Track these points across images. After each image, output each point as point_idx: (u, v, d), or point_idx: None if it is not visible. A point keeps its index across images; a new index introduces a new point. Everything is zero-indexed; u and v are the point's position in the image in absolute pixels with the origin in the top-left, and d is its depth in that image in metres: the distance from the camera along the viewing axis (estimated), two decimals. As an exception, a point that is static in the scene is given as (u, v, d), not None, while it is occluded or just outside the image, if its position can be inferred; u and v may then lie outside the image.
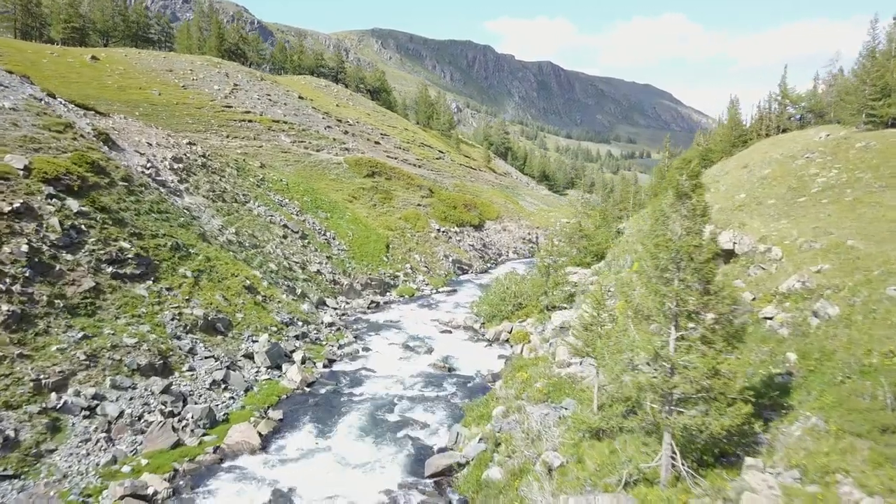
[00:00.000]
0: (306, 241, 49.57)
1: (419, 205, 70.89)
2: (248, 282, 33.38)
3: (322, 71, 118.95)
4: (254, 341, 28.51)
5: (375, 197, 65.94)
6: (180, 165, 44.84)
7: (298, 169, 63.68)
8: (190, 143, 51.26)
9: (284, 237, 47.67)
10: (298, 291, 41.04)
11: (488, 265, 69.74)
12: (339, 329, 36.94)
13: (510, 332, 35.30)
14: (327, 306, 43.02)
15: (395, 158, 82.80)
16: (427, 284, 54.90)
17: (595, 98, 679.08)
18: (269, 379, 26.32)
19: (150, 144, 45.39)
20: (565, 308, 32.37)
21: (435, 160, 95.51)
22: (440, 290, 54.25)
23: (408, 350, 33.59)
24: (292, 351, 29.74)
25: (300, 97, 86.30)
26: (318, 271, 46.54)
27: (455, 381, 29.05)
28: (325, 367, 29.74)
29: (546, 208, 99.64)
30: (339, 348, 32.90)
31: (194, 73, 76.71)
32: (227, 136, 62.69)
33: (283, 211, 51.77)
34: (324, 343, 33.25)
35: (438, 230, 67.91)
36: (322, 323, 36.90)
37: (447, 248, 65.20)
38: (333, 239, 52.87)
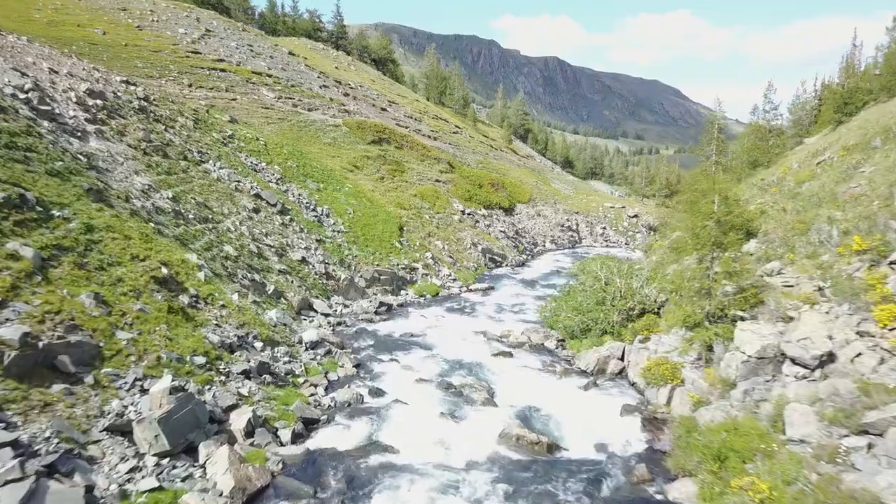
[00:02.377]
0: (288, 217, 34.84)
1: (438, 180, 56.11)
2: (165, 271, 18.58)
3: (320, 35, 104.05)
4: (142, 391, 13.69)
5: (383, 168, 51.16)
6: (98, 103, 30.07)
7: (283, 129, 48.93)
8: (126, 82, 36.51)
9: (255, 211, 32.94)
10: (269, 289, 26.38)
11: (524, 256, 55.02)
12: (329, 352, 22.20)
13: (628, 361, 20.52)
14: (315, 312, 28.33)
15: (406, 128, 67.99)
16: (454, 280, 40.14)
17: (602, 94, 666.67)
18: (157, 489, 11.54)
19: (56, 72, 30.72)
20: (750, 319, 17.28)
21: (452, 134, 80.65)
22: (472, 287, 39.55)
23: (450, 394, 18.82)
24: (230, 407, 14.92)
25: (291, 53, 71.42)
26: (304, 260, 31.84)
27: (569, 480, 14.11)
28: (294, 440, 14.93)
29: (581, 192, 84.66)
30: (325, 392, 18.18)
31: (156, 14, 61.83)
32: (190, 86, 47.92)
33: (256, 177, 37.04)
34: (300, 382, 18.53)
35: (463, 212, 53.14)
36: (301, 343, 22.19)
37: (474, 235, 50.45)
38: (327, 216, 38.11)
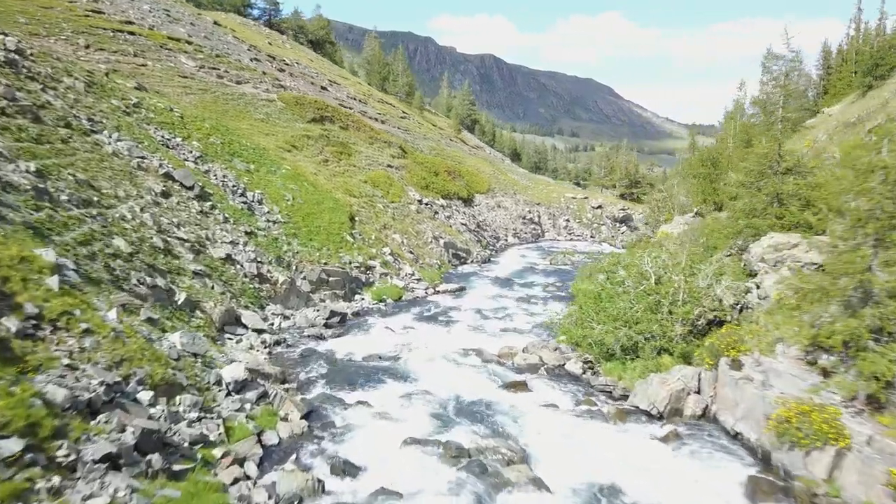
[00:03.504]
0: (209, 204, 27.05)
1: (390, 166, 48.95)
2: (-18, 278, 10.91)
3: (250, 13, 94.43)
4: None
5: (327, 150, 43.58)
6: (-65, 42, 21.60)
7: (205, 100, 40.67)
8: (-8, 29, 27.87)
9: (165, 195, 25.04)
10: (179, 298, 18.84)
11: (488, 252, 48.63)
12: (264, 395, 14.87)
13: (712, 395, 13.98)
14: (244, 328, 20.90)
15: (351, 109, 60.33)
16: (418, 280, 33.26)
17: (537, 92, 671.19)
18: None
19: None
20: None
21: (400, 119, 73.47)
22: (440, 288, 32.83)
23: (466, 467, 11.81)
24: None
25: (216, 23, 62.44)
26: (230, 258, 24.24)
27: None
28: None
29: (539, 183, 79.05)
30: (258, 474, 11.04)
31: (49, -33, 51.95)
32: (88, 47, 38.96)
33: (168, 154, 28.97)
34: (216, 458, 11.25)
35: (420, 201, 46.21)
36: (220, 384, 14.76)
37: (435, 228, 43.67)
38: (259, 203, 30.41)
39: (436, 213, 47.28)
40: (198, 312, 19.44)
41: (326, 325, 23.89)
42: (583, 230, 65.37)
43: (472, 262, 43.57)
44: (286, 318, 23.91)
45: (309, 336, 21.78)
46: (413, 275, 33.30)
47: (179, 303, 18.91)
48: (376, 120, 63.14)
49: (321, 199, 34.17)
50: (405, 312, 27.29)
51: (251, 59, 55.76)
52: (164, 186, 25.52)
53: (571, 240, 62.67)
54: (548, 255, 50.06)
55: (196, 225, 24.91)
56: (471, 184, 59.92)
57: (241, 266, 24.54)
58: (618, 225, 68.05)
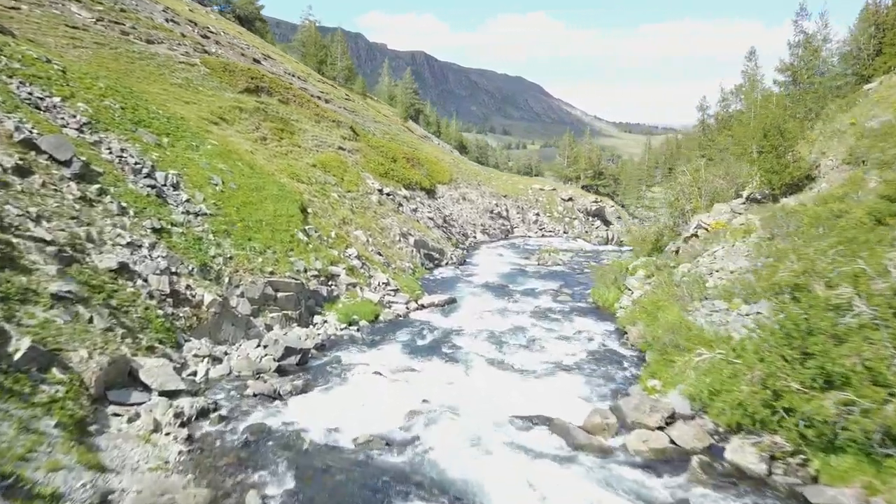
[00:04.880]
0: (95, 187, 18.04)
1: (342, 148, 40.47)
2: None
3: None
4: None
5: (265, 126, 34.72)
6: None
7: (101, 56, 31.07)
8: None
9: (19, 172, 16.02)
10: (17, 350, 10.20)
11: (461, 251, 41.03)
12: None
13: None
14: (144, 389, 12.36)
15: (290, 84, 51.18)
16: (395, 291, 25.18)
17: (469, 89, 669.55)
18: None
19: None
20: None
21: (345, 100, 64.68)
22: (424, 301, 24.86)
23: None
24: None
25: (123, -21, 51.77)
26: (125, 269, 15.54)
27: None
28: None
29: (503, 174, 71.93)
30: None
31: None
32: (-67, -20, 28.74)
33: (35, 116, 19.66)
34: None
35: (381, 191, 38.05)
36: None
37: (401, 223, 35.67)
38: (174, 188, 21.48)
39: (399, 205, 39.18)
40: (55, 372, 10.83)
41: (280, 371, 15.59)
42: (555, 225, 58.55)
43: (447, 263, 35.79)
44: (216, 360, 15.44)
45: (256, 396, 13.42)
46: (388, 284, 25.18)
47: (17, 357, 10.29)
48: (320, 98, 54.20)
49: (262, 183, 25.49)
50: (390, 342, 19.22)
51: (168, 20, 45.83)
52: (20, 159, 16.45)
53: (543, 236, 55.77)
54: (527, 253, 42.88)
55: (71, 219, 16.00)
56: (432, 173, 52.03)
57: (145, 281, 15.86)
58: (591, 219, 61.69)
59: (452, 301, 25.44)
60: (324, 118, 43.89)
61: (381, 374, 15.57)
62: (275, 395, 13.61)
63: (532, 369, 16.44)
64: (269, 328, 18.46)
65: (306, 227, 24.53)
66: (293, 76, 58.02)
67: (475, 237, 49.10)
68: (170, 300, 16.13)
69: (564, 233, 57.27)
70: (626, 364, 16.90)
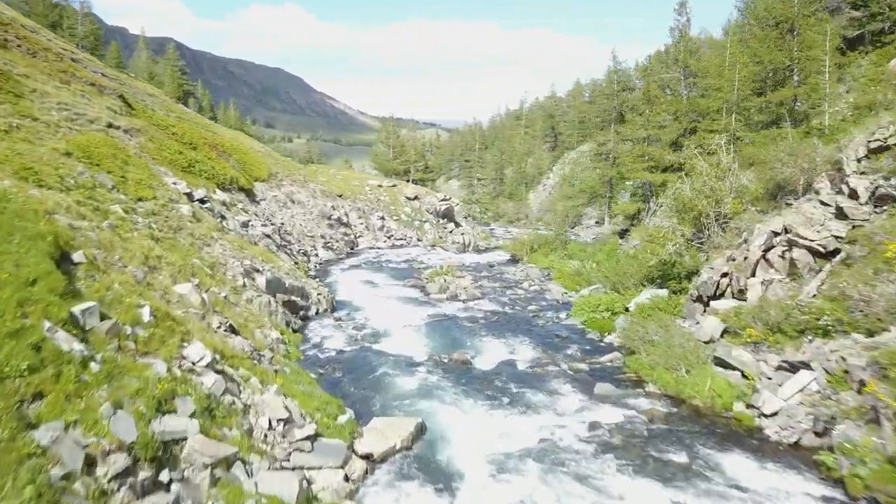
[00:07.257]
0: None
1: (113, 125, 24.45)
2: None
3: None
4: None
5: (-44, 77, 17.93)
6: None
7: None
8: None
9: None
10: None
11: (318, 283, 27.48)
12: None
13: None
14: None
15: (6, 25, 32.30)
16: (308, 437, 11.58)
17: (226, 80, 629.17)
18: None
19: None
20: None
21: (99, 60, 45.82)
22: (363, 449, 11.89)
23: None
24: None
25: None
26: None
27: None
28: None
29: (330, 168, 58.10)
30: None
31: None
32: None
33: None
34: None
35: (189, 195, 23.23)
36: None
37: (236, 250, 21.43)
38: None
39: (222, 217, 24.62)
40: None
41: None
42: (404, 231, 46.81)
43: (317, 311, 22.46)
44: None
45: None
46: (288, 420, 11.56)
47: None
48: (70, 60, 35.74)
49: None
50: None
51: None
52: None
53: (394, 246, 43.82)
54: (401, 276, 30.95)
55: None
56: (245, 166, 37.13)
57: None
58: (442, 221, 51.11)
59: (421, 430, 12.73)
60: (75, 78, 27.09)
61: None
62: None
63: None
64: None
65: (78, 310, 9.71)
66: (26, 28, 38.18)
67: (317, 254, 35.54)
68: None
69: (418, 240, 45.93)
70: None
